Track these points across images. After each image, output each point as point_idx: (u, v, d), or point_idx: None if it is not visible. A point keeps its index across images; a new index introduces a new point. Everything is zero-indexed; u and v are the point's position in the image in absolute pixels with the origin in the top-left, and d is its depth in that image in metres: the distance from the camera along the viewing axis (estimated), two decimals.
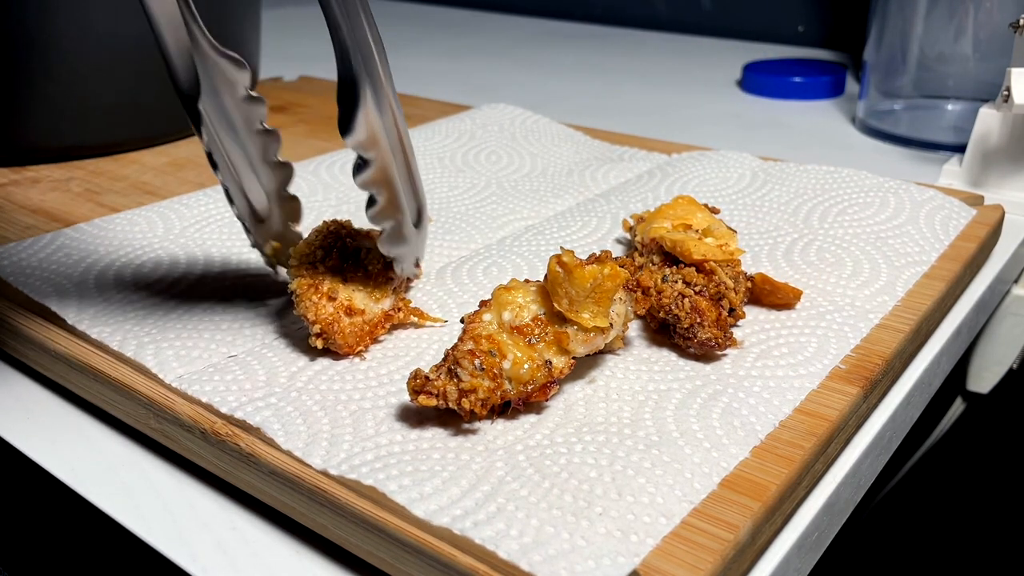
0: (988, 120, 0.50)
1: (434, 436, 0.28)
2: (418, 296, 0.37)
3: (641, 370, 0.31)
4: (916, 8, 0.60)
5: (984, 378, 0.51)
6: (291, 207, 0.36)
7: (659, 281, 0.34)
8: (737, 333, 0.34)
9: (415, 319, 0.34)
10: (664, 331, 0.34)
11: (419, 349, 0.33)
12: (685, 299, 0.32)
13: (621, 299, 0.31)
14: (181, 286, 0.38)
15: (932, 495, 0.60)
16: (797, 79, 0.75)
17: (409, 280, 0.37)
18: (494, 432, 0.28)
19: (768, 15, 0.97)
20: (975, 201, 0.46)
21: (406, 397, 0.30)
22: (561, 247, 0.33)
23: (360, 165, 0.31)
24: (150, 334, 0.34)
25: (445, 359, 0.28)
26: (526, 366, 0.28)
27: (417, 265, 0.35)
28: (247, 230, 0.35)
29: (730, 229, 0.37)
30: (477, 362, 0.28)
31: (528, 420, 0.29)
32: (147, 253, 0.41)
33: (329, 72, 0.81)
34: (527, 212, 0.46)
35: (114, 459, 0.31)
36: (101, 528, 0.29)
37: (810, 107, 0.73)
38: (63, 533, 0.43)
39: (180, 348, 0.33)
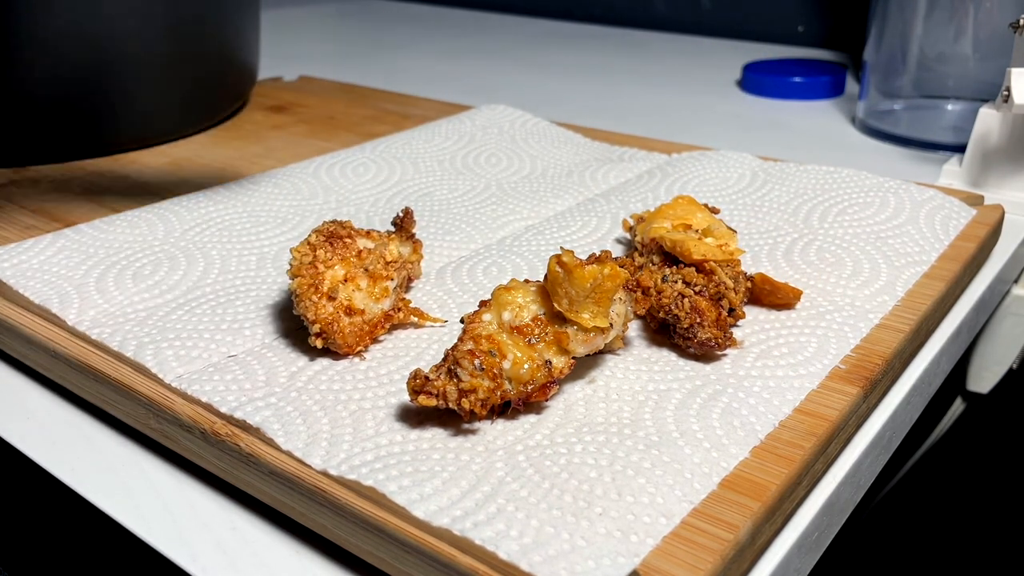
0: (988, 120, 0.50)
1: (434, 436, 0.28)
2: (418, 296, 0.37)
3: (641, 370, 0.31)
4: (916, 8, 0.60)
5: (984, 378, 0.51)
6: None
7: (659, 281, 0.34)
8: (737, 333, 0.34)
9: (415, 319, 0.34)
10: (664, 331, 0.34)
11: (419, 349, 0.33)
12: (685, 299, 0.32)
13: (621, 299, 0.31)
14: (181, 287, 0.38)
15: (932, 495, 0.60)
16: (797, 79, 0.75)
17: (409, 280, 0.37)
18: (494, 432, 0.28)
19: (768, 15, 0.97)
20: (975, 201, 0.46)
21: (406, 397, 0.30)
22: (561, 247, 0.33)
23: None
24: (150, 334, 0.34)
25: (445, 359, 0.28)
26: (526, 366, 0.28)
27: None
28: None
29: (730, 229, 0.37)
30: (477, 362, 0.28)
31: (528, 420, 0.29)
32: (147, 254, 0.41)
33: (329, 72, 0.82)
34: (527, 212, 0.46)
35: (114, 459, 0.31)
36: (101, 528, 0.29)
37: (810, 107, 0.73)
38: (63, 533, 0.43)
39: (180, 348, 0.33)
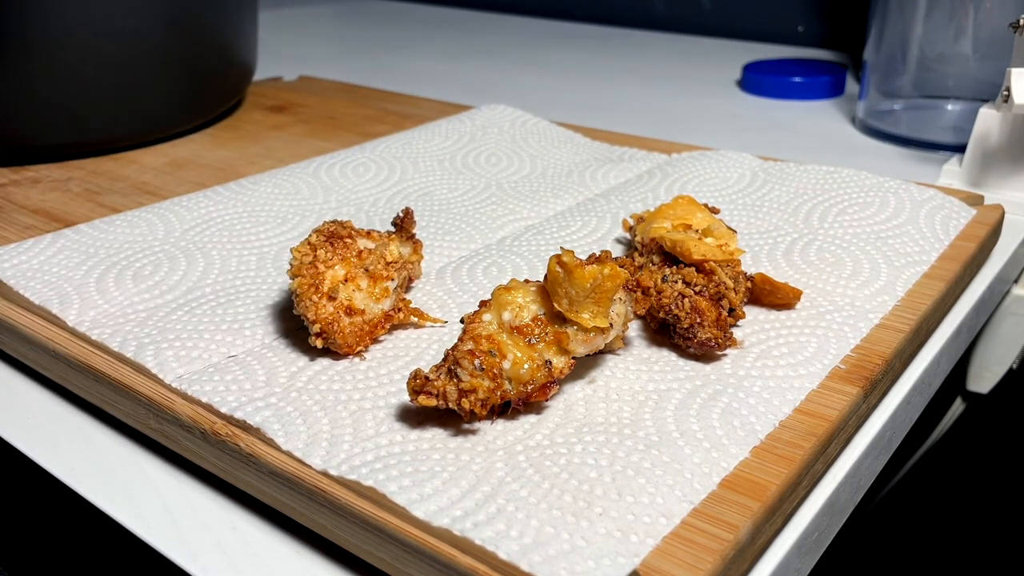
0: (988, 120, 0.50)
1: (434, 436, 0.28)
2: (418, 296, 0.37)
3: (641, 370, 0.31)
4: (916, 8, 0.60)
5: (984, 378, 0.51)
6: None
7: (659, 281, 0.34)
8: (737, 333, 0.34)
9: (415, 319, 0.34)
10: (664, 331, 0.34)
11: (419, 349, 0.33)
12: (685, 299, 0.32)
13: (621, 299, 0.31)
14: (181, 287, 0.38)
15: (932, 495, 0.60)
16: (797, 79, 0.75)
17: (409, 280, 0.37)
18: (494, 432, 0.28)
19: (768, 15, 0.97)
20: (975, 201, 0.46)
21: (406, 397, 0.30)
22: (561, 247, 0.33)
23: None
24: (150, 335, 0.34)
25: (445, 359, 0.28)
26: (526, 366, 0.28)
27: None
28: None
29: (730, 229, 0.37)
30: (477, 362, 0.28)
31: (528, 420, 0.29)
32: (147, 254, 0.41)
33: (329, 72, 0.82)
34: (527, 212, 0.46)
35: (114, 459, 0.31)
36: (101, 528, 0.29)
37: (810, 107, 0.73)
38: (63, 533, 0.43)
39: (180, 348, 0.33)
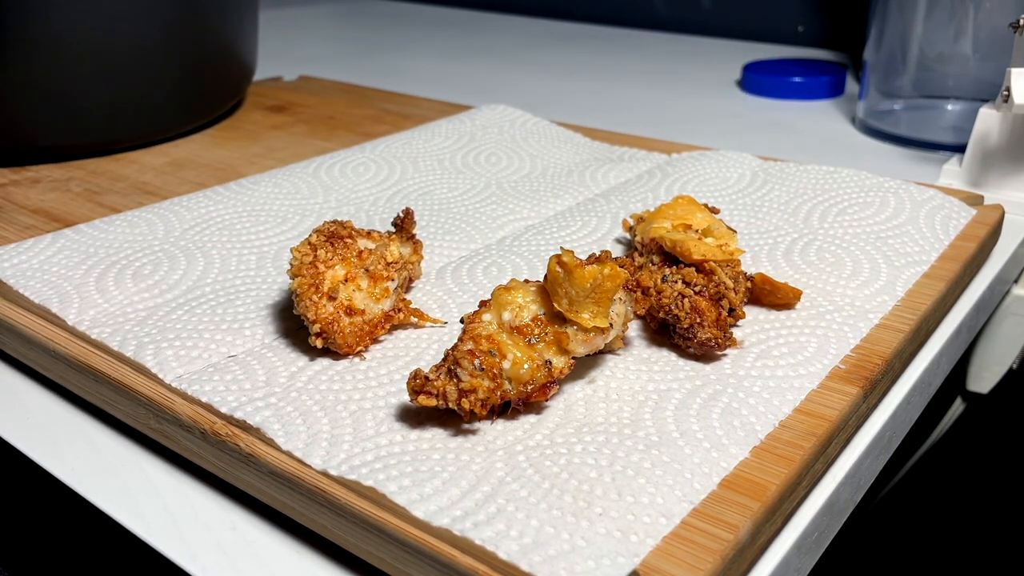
0: (988, 120, 0.50)
1: (434, 436, 0.28)
2: (418, 296, 0.37)
3: (641, 370, 0.31)
4: (916, 8, 0.60)
5: (984, 378, 0.51)
6: None
7: (659, 281, 0.34)
8: (737, 333, 0.34)
9: (415, 319, 0.34)
10: (664, 331, 0.34)
11: (419, 349, 0.33)
12: (685, 299, 0.32)
13: (621, 299, 0.31)
14: (181, 286, 0.38)
15: (932, 495, 0.60)
16: (797, 79, 0.75)
17: (409, 280, 0.37)
18: (494, 432, 0.28)
19: (768, 15, 0.97)
20: (975, 201, 0.46)
21: (406, 397, 0.30)
22: (561, 247, 0.33)
23: None
24: (150, 334, 0.34)
25: (445, 359, 0.28)
26: (526, 366, 0.28)
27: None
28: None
29: (730, 229, 0.37)
30: (477, 362, 0.28)
31: (528, 420, 0.29)
32: (147, 254, 0.41)
33: (329, 72, 0.82)
34: (527, 212, 0.46)
35: (114, 459, 0.31)
36: (101, 528, 0.29)
37: (810, 107, 0.73)
38: (63, 533, 0.43)
39: (180, 348, 0.33)
